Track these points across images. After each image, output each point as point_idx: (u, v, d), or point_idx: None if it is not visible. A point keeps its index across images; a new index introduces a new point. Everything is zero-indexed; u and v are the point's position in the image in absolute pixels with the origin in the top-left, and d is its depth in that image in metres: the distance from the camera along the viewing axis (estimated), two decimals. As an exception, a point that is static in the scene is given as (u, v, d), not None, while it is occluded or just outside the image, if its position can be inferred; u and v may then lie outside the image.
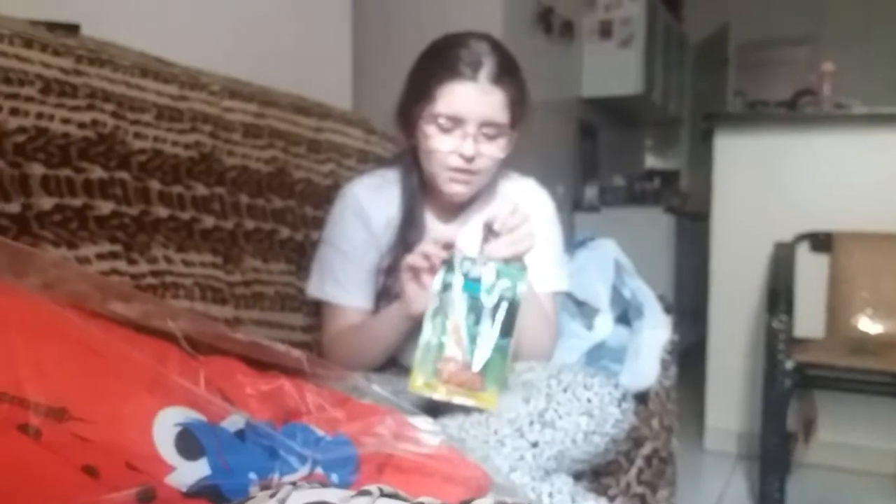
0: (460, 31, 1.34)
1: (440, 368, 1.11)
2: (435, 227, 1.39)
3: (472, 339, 1.12)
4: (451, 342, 1.11)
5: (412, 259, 1.19)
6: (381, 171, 1.47)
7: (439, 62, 1.29)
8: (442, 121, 1.27)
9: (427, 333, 1.12)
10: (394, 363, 1.38)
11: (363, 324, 1.37)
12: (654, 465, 1.51)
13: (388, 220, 1.39)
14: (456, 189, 1.32)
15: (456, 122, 1.27)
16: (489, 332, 1.12)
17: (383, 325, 1.31)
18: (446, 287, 1.13)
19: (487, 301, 1.13)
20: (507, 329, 1.12)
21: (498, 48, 1.31)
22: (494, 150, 1.30)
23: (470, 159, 1.28)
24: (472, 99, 1.26)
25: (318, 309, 1.47)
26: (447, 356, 1.11)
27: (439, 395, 1.10)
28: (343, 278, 1.40)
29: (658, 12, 4.77)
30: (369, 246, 1.39)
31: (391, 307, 1.30)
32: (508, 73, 1.30)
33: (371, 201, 1.41)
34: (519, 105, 1.32)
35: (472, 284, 1.13)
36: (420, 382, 1.10)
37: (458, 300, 1.12)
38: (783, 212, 2.77)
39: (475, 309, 1.13)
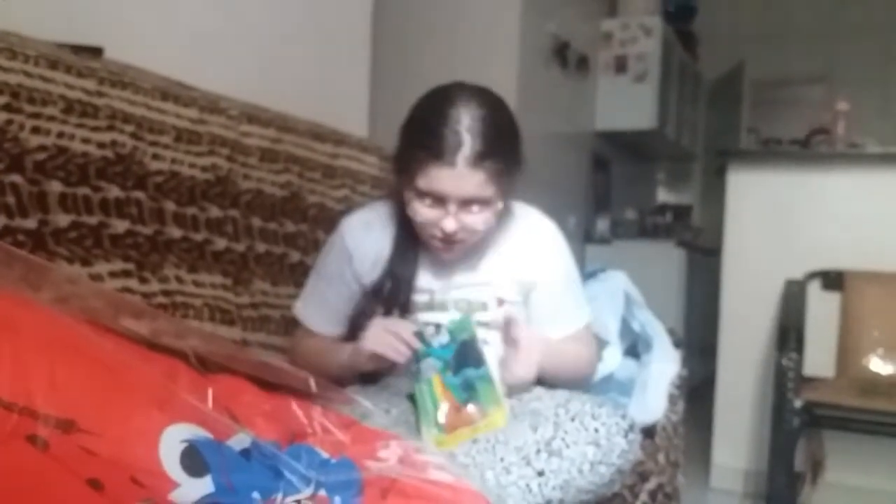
0: (452, 85, 1.29)
1: (443, 423, 1.19)
2: (429, 256, 1.36)
3: (455, 386, 1.21)
4: (441, 398, 1.20)
5: (386, 350, 1.23)
6: (378, 205, 1.46)
7: (419, 139, 1.25)
8: (422, 196, 1.25)
9: (421, 401, 1.21)
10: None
11: (324, 349, 1.38)
12: (659, 501, 1.49)
13: (375, 258, 1.37)
14: (444, 255, 1.32)
15: (436, 199, 1.25)
16: (467, 373, 1.22)
17: (341, 360, 1.33)
18: (420, 358, 1.24)
19: (451, 355, 1.25)
20: (477, 361, 1.23)
21: (483, 119, 1.23)
22: (478, 221, 1.27)
23: (452, 234, 1.26)
24: (450, 183, 1.22)
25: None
26: (442, 410, 1.20)
27: (451, 445, 1.15)
28: (316, 303, 1.43)
29: (673, 49, 4.80)
30: (347, 280, 1.40)
31: (352, 353, 1.31)
32: (490, 149, 1.22)
33: (358, 241, 1.40)
34: (505, 175, 1.27)
35: (438, 351, 1.25)
36: (433, 444, 1.16)
37: (431, 365, 1.24)
38: (795, 249, 2.76)
39: (447, 364, 1.24)
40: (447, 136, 1.21)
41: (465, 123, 1.22)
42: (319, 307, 1.43)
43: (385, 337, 1.24)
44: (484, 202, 1.26)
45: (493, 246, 1.37)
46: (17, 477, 0.60)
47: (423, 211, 1.26)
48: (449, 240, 1.28)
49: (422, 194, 1.25)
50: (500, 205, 1.30)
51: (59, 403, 0.62)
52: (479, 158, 1.21)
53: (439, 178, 1.22)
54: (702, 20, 5.32)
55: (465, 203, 1.24)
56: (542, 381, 1.34)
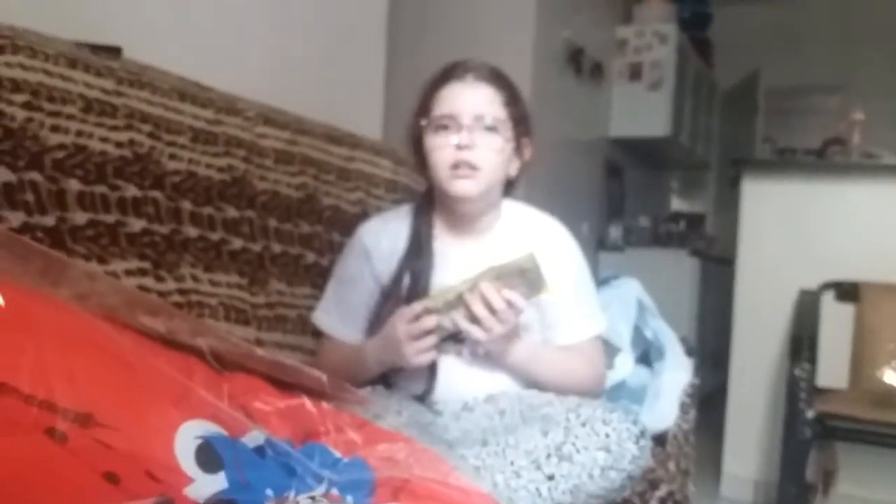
0: None
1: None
2: (445, 253, 1.39)
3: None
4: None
5: (427, 357, 1.27)
6: (398, 208, 1.50)
7: (433, 77, 1.36)
8: (437, 122, 1.31)
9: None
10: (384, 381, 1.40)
11: (351, 361, 1.39)
12: (670, 508, 1.49)
13: (391, 251, 1.40)
14: (461, 186, 1.31)
15: (450, 119, 1.30)
16: None
17: (370, 369, 1.36)
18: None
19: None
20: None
21: (491, 65, 1.36)
22: (492, 141, 1.30)
23: (466, 147, 1.28)
24: (461, 96, 1.31)
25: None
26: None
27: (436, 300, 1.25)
28: (338, 309, 1.45)
29: (688, 57, 4.80)
30: (366, 280, 1.41)
31: (378, 352, 1.33)
32: (499, 76, 1.35)
33: (375, 238, 1.43)
34: (514, 107, 1.34)
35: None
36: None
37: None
38: (809, 260, 2.75)
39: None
40: (458, 63, 1.35)
41: (476, 61, 1.36)
42: (339, 312, 1.44)
43: (414, 346, 1.25)
44: (495, 126, 1.30)
45: (508, 248, 1.38)
46: (36, 469, 0.60)
47: (438, 140, 1.31)
48: (463, 161, 1.29)
49: (437, 125, 1.31)
50: (511, 147, 1.35)
51: (77, 397, 0.63)
52: (488, 75, 1.34)
53: (451, 94, 1.31)
54: (717, 28, 5.31)
55: (478, 119, 1.29)
56: (532, 384, 1.35)
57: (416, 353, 1.25)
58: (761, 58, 5.18)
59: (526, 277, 1.23)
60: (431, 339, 1.25)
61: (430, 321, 1.24)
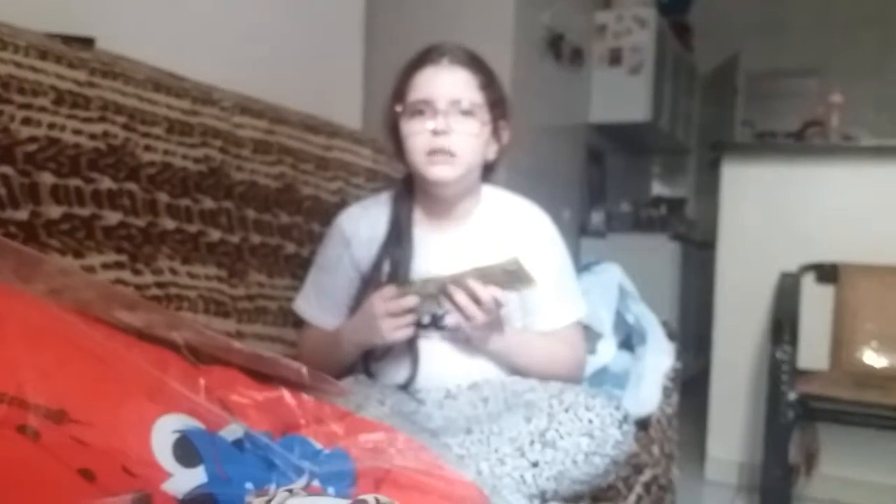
0: None
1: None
2: (425, 239, 1.38)
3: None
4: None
5: (401, 334, 1.26)
6: (377, 195, 1.49)
7: (409, 62, 1.35)
8: (413, 107, 1.30)
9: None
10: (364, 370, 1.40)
11: (329, 343, 1.39)
12: (654, 493, 1.50)
13: (371, 238, 1.39)
14: (438, 172, 1.30)
15: (426, 104, 1.29)
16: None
17: (349, 350, 1.36)
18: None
19: None
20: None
21: (466, 48, 1.36)
22: (468, 126, 1.30)
23: (442, 132, 1.27)
24: (436, 80, 1.30)
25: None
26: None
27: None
28: (318, 297, 1.44)
29: (668, 41, 4.80)
30: (346, 267, 1.41)
31: (354, 332, 1.33)
32: (474, 60, 1.34)
33: (355, 224, 1.42)
34: (491, 90, 1.33)
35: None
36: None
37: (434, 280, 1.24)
38: (789, 242, 2.77)
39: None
40: (433, 47, 1.34)
41: (452, 44, 1.35)
42: (319, 299, 1.44)
43: (391, 322, 1.24)
44: (471, 110, 1.30)
45: (488, 234, 1.38)
46: (8, 467, 0.59)
47: (414, 126, 1.30)
48: (440, 148, 1.28)
49: (413, 111, 1.30)
50: (488, 131, 1.34)
51: (49, 393, 0.62)
52: (464, 58, 1.33)
53: (426, 79, 1.31)
54: (696, 12, 5.32)
55: (454, 103, 1.29)
56: (514, 370, 1.36)
57: (394, 329, 1.25)
58: (740, 42, 5.20)
59: (510, 277, 1.23)
60: (410, 317, 1.25)
61: (409, 300, 1.23)
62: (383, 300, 1.24)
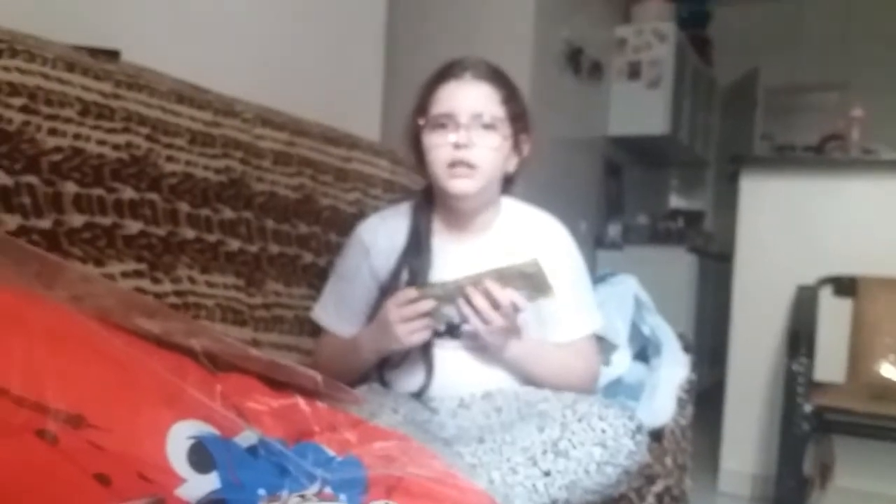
0: None
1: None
2: (444, 249, 1.40)
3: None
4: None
5: (419, 338, 1.28)
6: (397, 206, 1.50)
7: (432, 76, 1.37)
8: (435, 121, 1.32)
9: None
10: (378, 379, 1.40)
11: (346, 350, 1.40)
12: (667, 504, 1.50)
13: (390, 247, 1.41)
14: (459, 185, 1.31)
15: (448, 117, 1.30)
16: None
17: (366, 357, 1.36)
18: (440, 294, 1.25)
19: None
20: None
21: (489, 62, 1.37)
22: (490, 140, 1.31)
23: (464, 146, 1.29)
24: (459, 94, 1.31)
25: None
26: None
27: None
28: (336, 305, 1.46)
29: (687, 55, 4.80)
30: (364, 276, 1.42)
31: (372, 339, 1.34)
32: (496, 74, 1.36)
33: (374, 234, 1.44)
34: (512, 104, 1.35)
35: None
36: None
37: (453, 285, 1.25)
38: (807, 255, 2.75)
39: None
40: (456, 62, 1.35)
41: (474, 58, 1.36)
42: (338, 308, 1.45)
43: (406, 327, 1.25)
44: (493, 124, 1.31)
45: (507, 245, 1.39)
46: (26, 471, 0.61)
47: (435, 139, 1.31)
48: (461, 161, 1.30)
49: (435, 124, 1.31)
50: (509, 145, 1.35)
51: (68, 398, 0.63)
52: (486, 73, 1.34)
53: (448, 93, 1.32)
54: (716, 26, 5.31)
55: (475, 117, 1.30)
56: (528, 380, 1.36)
57: (409, 334, 1.26)
58: (760, 55, 5.19)
59: (528, 281, 1.24)
60: (425, 321, 1.26)
61: (425, 304, 1.24)
62: (398, 305, 1.25)
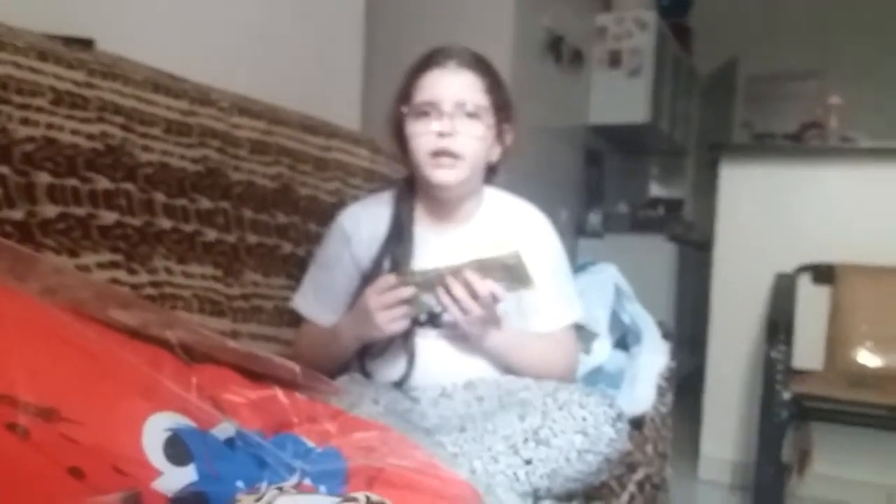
0: None
1: None
2: (425, 238, 1.39)
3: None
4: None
5: (397, 326, 1.27)
6: (379, 194, 1.50)
7: (415, 63, 1.36)
8: (418, 109, 1.31)
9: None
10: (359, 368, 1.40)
11: (326, 337, 1.40)
12: (647, 492, 1.50)
13: (371, 236, 1.40)
14: (442, 175, 1.31)
15: (431, 105, 1.30)
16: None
17: (346, 344, 1.36)
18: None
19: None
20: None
21: (473, 51, 1.36)
22: (473, 128, 1.30)
23: (447, 135, 1.28)
24: (442, 82, 1.31)
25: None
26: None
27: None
28: (316, 293, 1.45)
29: (667, 44, 4.80)
30: (346, 265, 1.42)
31: (352, 326, 1.33)
32: (480, 62, 1.35)
33: (355, 222, 1.43)
34: (496, 93, 1.34)
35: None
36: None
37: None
38: (786, 243, 2.77)
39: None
40: (439, 49, 1.35)
41: (458, 47, 1.36)
42: (318, 296, 1.45)
43: (386, 315, 1.25)
44: (476, 112, 1.30)
45: (489, 235, 1.39)
46: (-2, 465, 0.60)
47: (419, 127, 1.31)
48: (444, 150, 1.29)
49: (418, 112, 1.31)
50: (493, 128, 1.34)
51: (40, 391, 0.62)
52: (470, 61, 1.34)
53: (432, 81, 1.31)
54: (696, 14, 5.32)
55: (459, 106, 1.29)
56: (508, 370, 1.36)
57: (389, 322, 1.25)
58: (740, 44, 5.21)
59: (509, 273, 1.24)
60: (405, 309, 1.25)
61: (405, 291, 1.24)
62: (377, 292, 1.25)
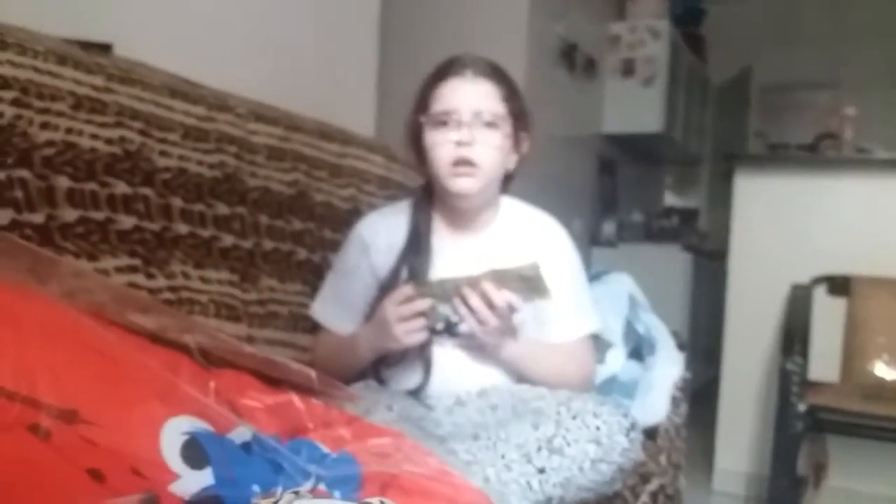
0: None
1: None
2: (443, 247, 1.40)
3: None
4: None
5: (413, 339, 1.28)
6: (397, 203, 1.50)
7: (433, 72, 1.36)
8: (436, 118, 1.31)
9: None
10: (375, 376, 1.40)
11: (343, 347, 1.40)
12: (660, 502, 1.50)
13: (389, 245, 1.40)
14: (461, 184, 1.32)
15: (449, 115, 1.30)
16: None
17: (363, 355, 1.36)
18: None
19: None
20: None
21: (489, 60, 1.37)
22: (491, 138, 1.31)
23: (466, 144, 1.29)
24: (460, 91, 1.31)
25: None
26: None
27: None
28: (335, 302, 1.45)
29: (681, 53, 4.80)
30: (364, 273, 1.42)
31: (370, 337, 1.33)
32: (497, 71, 1.36)
33: (374, 231, 1.44)
34: (513, 102, 1.35)
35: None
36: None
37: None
38: (801, 254, 2.76)
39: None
40: (457, 61, 1.35)
41: (475, 56, 1.36)
42: (336, 304, 1.45)
43: (404, 326, 1.26)
44: (494, 122, 1.31)
45: (506, 244, 1.40)
46: (18, 466, 0.60)
47: (437, 137, 1.31)
48: (463, 159, 1.30)
49: (436, 122, 1.31)
50: (512, 137, 1.35)
51: (61, 394, 0.63)
52: (487, 70, 1.34)
53: (449, 90, 1.32)
54: (710, 23, 5.32)
55: (477, 115, 1.30)
56: (524, 380, 1.36)
57: (406, 334, 1.26)
58: (754, 54, 5.19)
59: (526, 284, 1.24)
60: (422, 321, 1.26)
61: (422, 303, 1.24)
62: (395, 304, 1.25)
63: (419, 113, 1.35)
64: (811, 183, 2.80)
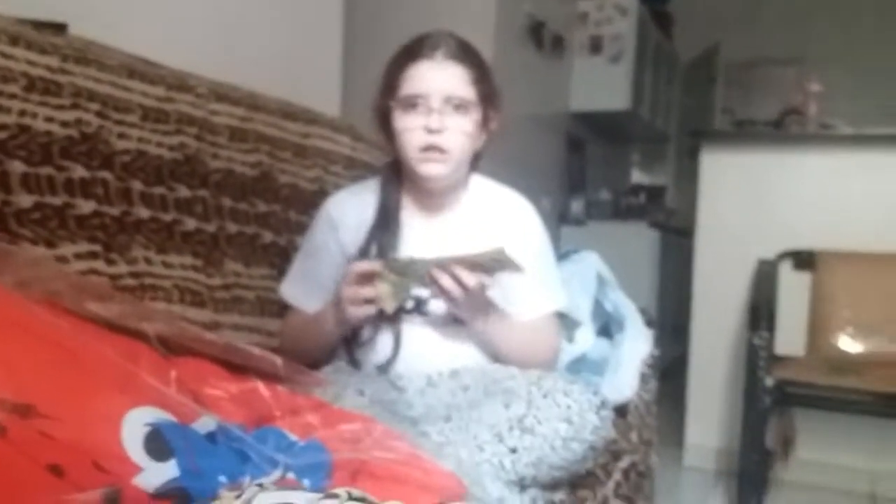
0: None
1: None
2: (412, 224, 1.38)
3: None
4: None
5: (363, 311, 1.26)
6: (365, 181, 1.48)
7: (401, 52, 1.34)
8: (406, 101, 1.29)
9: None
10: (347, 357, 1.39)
11: (310, 322, 1.39)
12: (632, 479, 1.50)
13: (358, 223, 1.39)
14: (430, 169, 1.31)
15: (420, 99, 1.28)
16: None
17: (328, 328, 1.34)
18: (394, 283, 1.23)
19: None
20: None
21: (459, 38, 1.34)
22: (462, 123, 1.30)
23: (436, 131, 1.28)
24: (430, 75, 1.29)
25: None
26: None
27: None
28: (304, 281, 1.44)
29: (649, 30, 4.80)
30: (333, 252, 1.40)
31: (333, 312, 1.32)
32: (467, 52, 1.33)
33: (342, 210, 1.42)
34: (483, 84, 1.33)
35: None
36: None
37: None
38: (767, 229, 2.79)
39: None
40: (426, 40, 1.32)
41: (443, 35, 1.33)
42: (304, 283, 1.43)
43: (351, 310, 1.25)
44: (465, 105, 1.30)
45: (475, 222, 1.39)
46: (-26, 463, 0.58)
47: (407, 121, 1.30)
48: (433, 145, 1.28)
49: (406, 104, 1.29)
50: (481, 120, 1.34)
51: (16, 387, 0.61)
52: (458, 53, 1.31)
53: (420, 73, 1.29)
54: (677, 1, 5.32)
55: (447, 100, 1.28)
56: (493, 356, 1.36)
57: (354, 311, 1.26)
58: (720, 30, 5.22)
59: (495, 266, 1.23)
60: (370, 308, 1.25)
61: (368, 290, 1.23)
62: (347, 284, 1.25)
63: (388, 94, 1.33)
64: (776, 159, 2.83)
